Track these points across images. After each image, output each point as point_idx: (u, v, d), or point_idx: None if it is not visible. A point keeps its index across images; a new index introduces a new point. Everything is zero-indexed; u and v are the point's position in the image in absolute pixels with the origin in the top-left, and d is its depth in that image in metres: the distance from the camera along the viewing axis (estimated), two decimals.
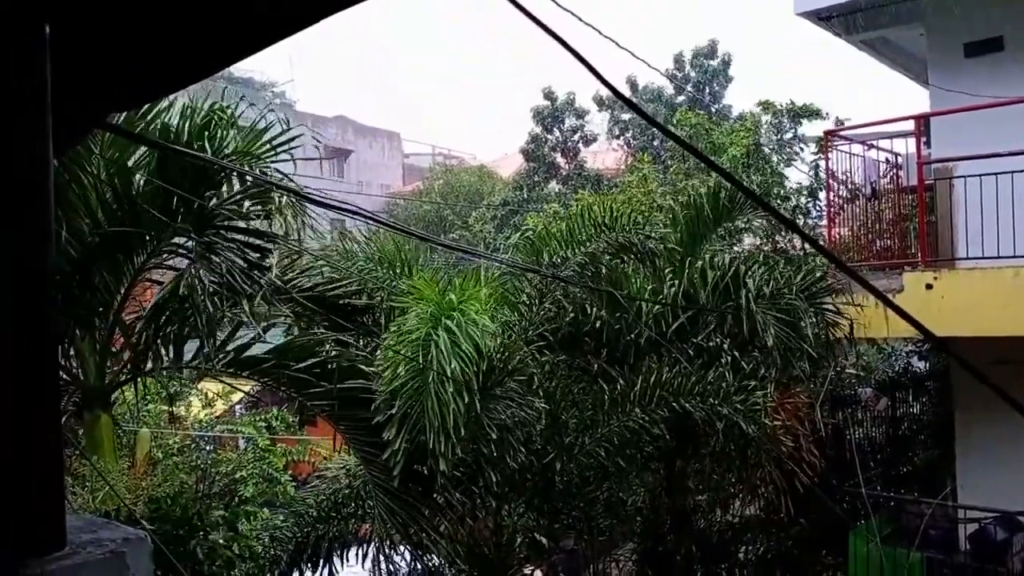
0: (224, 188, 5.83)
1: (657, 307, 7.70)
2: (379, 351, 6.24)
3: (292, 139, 6.03)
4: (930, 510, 8.58)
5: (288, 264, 6.57)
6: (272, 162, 6.06)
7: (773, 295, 7.41)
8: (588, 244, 7.69)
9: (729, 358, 7.41)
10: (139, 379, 6.53)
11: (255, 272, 5.57)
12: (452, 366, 5.78)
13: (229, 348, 6.11)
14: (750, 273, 7.52)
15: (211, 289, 5.23)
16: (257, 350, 6.21)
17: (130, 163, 5.92)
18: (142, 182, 5.87)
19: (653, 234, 7.96)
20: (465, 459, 6.35)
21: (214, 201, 5.67)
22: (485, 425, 6.25)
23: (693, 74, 29.49)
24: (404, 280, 7.26)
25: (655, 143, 26.57)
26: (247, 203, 5.86)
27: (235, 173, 5.84)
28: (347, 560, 7.41)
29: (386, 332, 6.37)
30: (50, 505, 1.20)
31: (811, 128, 13.76)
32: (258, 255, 5.68)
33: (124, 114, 5.55)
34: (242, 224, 5.75)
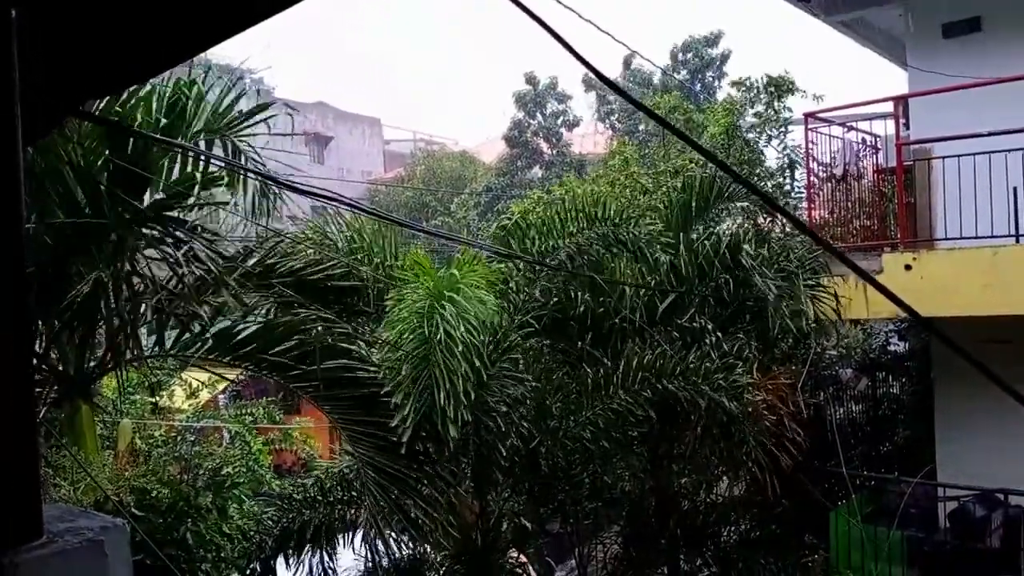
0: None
1: (642, 290, 7.73)
2: (384, 322, 6.29)
3: (266, 114, 6.02)
4: (910, 489, 8.68)
5: (270, 248, 6.53)
6: (246, 140, 6.03)
7: (767, 265, 7.50)
8: (575, 236, 7.72)
9: (713, 339, 7.45)
10: (119, 368, 6.47)
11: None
12: (460, 332, 5.85)
13: (207, 335, 6.08)
14: (747, 239, 7.62)
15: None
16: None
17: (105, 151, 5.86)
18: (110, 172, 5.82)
19: (641, 230, 7.98)
20: (475, 437, 6.42)
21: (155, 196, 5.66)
22: (491, 402, 6.33)
23: (692, 62, 29.42)
24: (401, 258, 7.26)
25: (641, 127, 26.57)
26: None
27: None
28: (337, 545, 7.40)
29: (387, 302, 6.41)
30: (26, 495, 1.19)
31: (792, 104, 13.77)
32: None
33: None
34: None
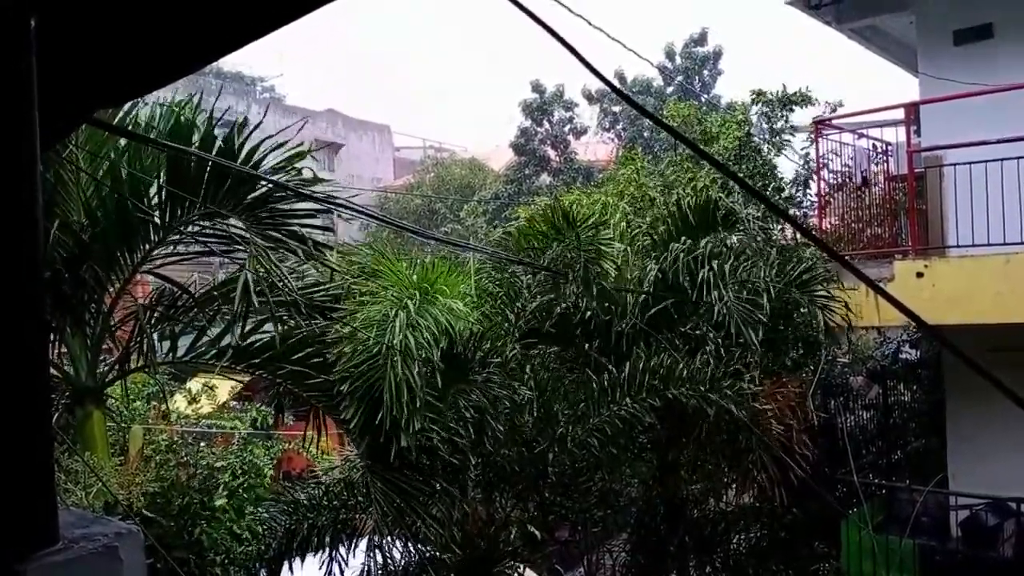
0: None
1: (643, 297, 7.71)
2: (332, 330, 6.27)
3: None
4: (922, 497, 8.63)
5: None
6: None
7: (751, 286, 7.41)
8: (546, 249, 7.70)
9: (714, 346, 7.41)
10: (131, 375, 6.51)
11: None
12: (405, 340, 5.84)
13: (224, 343, 6.11)
14: (734, 272, 7.48)
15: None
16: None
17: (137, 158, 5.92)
18: (151, 180, 5.86)
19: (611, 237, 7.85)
20: (450, 445, 6.39)
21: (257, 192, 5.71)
22: (461, 407, 6.30)
23: (683, 64, 29.53)
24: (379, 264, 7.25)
25: (645, 134, 26.60)
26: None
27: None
28: (338, 550, 7.40)
29: (351, 316, 6.40)
30: (42, 501, 1.20)
31: (802, 116, 13.74)
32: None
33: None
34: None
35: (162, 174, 5.87)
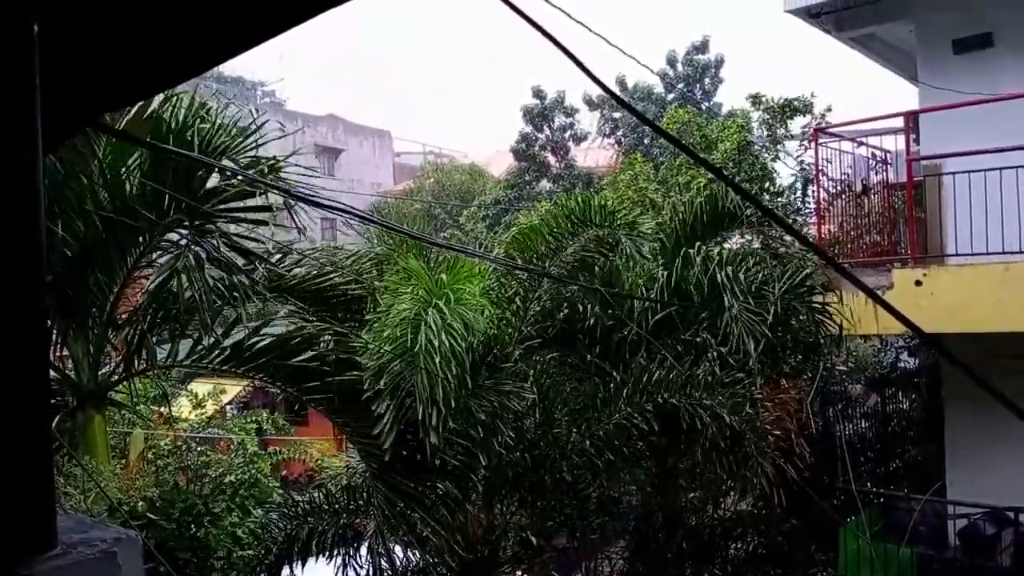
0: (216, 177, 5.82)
1: (647, 303, 7.71)
2: (367, 328, 6.26)
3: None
4: (920, 506, 8.62)
5: (279, 258, 6.57)
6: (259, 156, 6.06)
7: (758, 294, 7.41)
8: (565, 240, 7.71)
9: (715, 354, 7.41)
10: (132, 379, 6.50)
11: (250, 259, 5.62)
12: (442, 341, 5.83)
13: (225, 345, 6.10)
14: (739, 273, 7.50)
15: (207, 281, 5.24)
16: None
17: (127, 162, 5.90)
18: (136, 181, 5.85)
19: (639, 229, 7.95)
20: (456, 448, 6.38)
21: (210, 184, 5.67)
22: (473, 411, 6.31)
23: (684, 71, 29.54)
24: (398, 261, 7.24)
25: (646, 140, 26.60)
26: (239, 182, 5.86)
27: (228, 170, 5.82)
28: (336, 556, 7.38)
29: (376, 312, 6.39)
30: (41, 505, 1.19)
31: (803, 121, 13.78)
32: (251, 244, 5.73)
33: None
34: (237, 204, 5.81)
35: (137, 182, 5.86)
